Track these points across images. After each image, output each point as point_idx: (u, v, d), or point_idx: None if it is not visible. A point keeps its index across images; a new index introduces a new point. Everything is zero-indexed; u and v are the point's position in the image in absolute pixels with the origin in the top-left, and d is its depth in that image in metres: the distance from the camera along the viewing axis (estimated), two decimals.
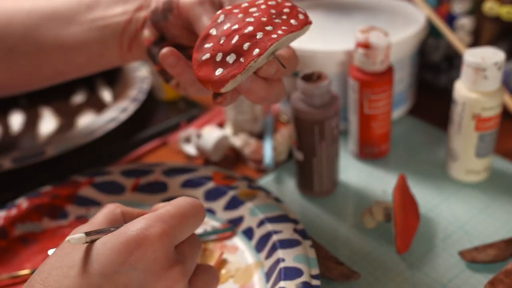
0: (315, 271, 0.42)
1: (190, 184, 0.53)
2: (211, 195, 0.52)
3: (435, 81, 0.70)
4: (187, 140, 0.64)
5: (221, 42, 0.38)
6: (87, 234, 0.31)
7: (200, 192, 0.52)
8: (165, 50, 0.43)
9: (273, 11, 0.39)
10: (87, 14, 0.49)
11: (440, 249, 0.48)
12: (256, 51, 0.37)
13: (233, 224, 0.50)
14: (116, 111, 0.67)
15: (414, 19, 0.63)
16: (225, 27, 0.38)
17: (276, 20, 0.39)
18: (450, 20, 0.67)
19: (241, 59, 0.37)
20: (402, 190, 0.50)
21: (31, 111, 0.74)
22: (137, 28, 0.48)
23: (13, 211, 0.51)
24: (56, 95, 0.78)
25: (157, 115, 0.71)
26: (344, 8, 0.68)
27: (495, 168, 0.57)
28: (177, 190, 0.53)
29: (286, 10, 0.40)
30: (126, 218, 0.37)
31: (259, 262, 0.46)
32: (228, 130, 0.65)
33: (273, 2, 0.40)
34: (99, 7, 0.49)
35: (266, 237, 0.46)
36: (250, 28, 0.38)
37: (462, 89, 0.51)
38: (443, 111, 0.67)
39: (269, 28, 0.38)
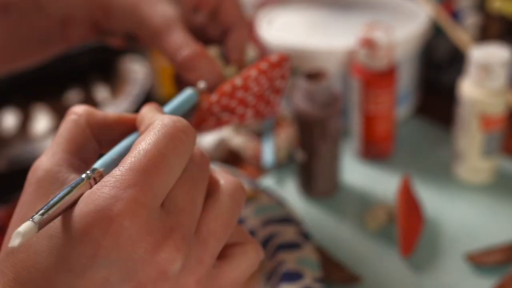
0: (317, 274, 0.41)
1: None
2: None
3: (440, 80, 0.69)
4: None
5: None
6: (37, 218, 0.23)
7: None
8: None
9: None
10: None
11: (445, 252, 0.47)
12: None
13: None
14: (114, 111, 0.66)
15: (418, 17, 0.62)
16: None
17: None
18: (455, 17, 0.66)
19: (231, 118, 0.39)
20: (406, 191, 0.49)
21: (24, 109, 0.73)
22: None
23: (12, 208, 0.51)
24: (49, 93, 0.77)
25: None
26: (346, 6, 0.67)
27: (502, 168, 0.56)
28: None
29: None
30: (95, 131, 0.30)
31: (261, 264, 0.45)
32: (228, 128, 0.64)
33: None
34: None
35: (268, 238, 0.45)
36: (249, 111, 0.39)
37: (467, 88, 0.50)
38: (449, 110, 0.66)
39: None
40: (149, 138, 0.26)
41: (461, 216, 0.51)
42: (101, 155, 0.30)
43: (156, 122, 0.27)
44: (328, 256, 0.47)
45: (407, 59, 0.60)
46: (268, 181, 0.57)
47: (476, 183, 0.54)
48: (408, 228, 0.47)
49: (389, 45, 0.52)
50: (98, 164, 0.27)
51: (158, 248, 0.24)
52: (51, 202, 0.24)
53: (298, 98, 0.50)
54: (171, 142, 0.26)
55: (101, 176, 0.27)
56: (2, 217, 0.50)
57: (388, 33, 0.52)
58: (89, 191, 0.25)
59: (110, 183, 0.24)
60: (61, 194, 0.25)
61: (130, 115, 0.31)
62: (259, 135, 0.64)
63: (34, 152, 0.59)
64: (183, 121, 0.27)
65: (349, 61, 0.58)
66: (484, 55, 0.48)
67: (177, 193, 0.26)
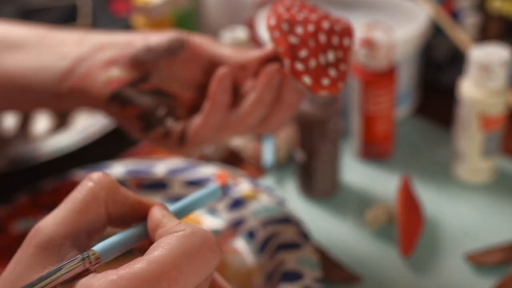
0: (317, 274, 0.41)
1: (194, 183, 0.52)
2: None
3: (440, 80, 0.69)
4: None
5: (311, 45, 0.37)
6: None
7: None
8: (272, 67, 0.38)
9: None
10: (37, 46, 0.43)
11: (445, 252, 0.47)
12: (346, 41, 0.38)
13: (235, 225, 0.49)
14: None
15: (417, 17, 0.62)
16: (300, 31, 0.37)
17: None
18: (454, 17, 0.66)
19: (339, 54, 0.38)
20: (406, 191, 0.49)
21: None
22: (92, 67, 0.40)
23: (12, 208, 0.51)
24: None
25: None
26: (346, 6, 0.67)
27: (502, 168, 0.56)
28: (181, 189, 0.53)
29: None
30: (110, 208, 0.29)
31: (260, 264, 0.45)
32: None
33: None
34: (51, 39, 0.43)
35: (268, 238, 0.45)
36: (326, 24, 0.38)
37: (467, 88, 0.50)
38: (449, 110, 0.66)
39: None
40: (169, 247, 0.24)
41: (461, 216, 0.51)
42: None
43: (184, 232, 0.25)
44: (328, 256, 0.47)
45: (407, 59, 0.60)
46: (268, 181, 0.57)
47: (476, 183, 0.54)
48: (408, 228, 0.47)
49: (388, 45, 0.52)
50: (97, 247, 0.26)
51: None
52: (37, 283, 0.24)
53: None
54: (194, 261, 0.24)
55: (97, 260, 0.26)
56: (2, 217, 0.50)
57: (388, 33, 0.52)
58: (88, 284, 0.24)
59: (115, 286, 0.23)
60: (51, 275, 0.24)
61: (151, 202, 0.30)
62: (259, 135, 0.64)
63: (34, 152, 0.59)
64: (213, 238, 0.26)
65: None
66: (484, 55, 0.48)
67: None
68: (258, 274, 0.45)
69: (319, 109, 0.48)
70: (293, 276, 0.41)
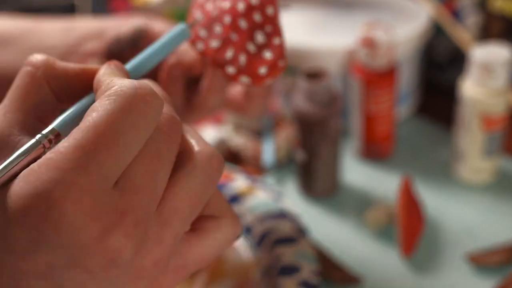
0: (314, 267, 0.41)
1: None
2: None
3: (441, 80, 0.69)
4: None
5: (234, 39, 0.35)
6: None
7: None
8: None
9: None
10: (24, 41, 0.42)
11: (445, 252, 0.47)
12: (270, 10, 0.34)
13: None
14: None
15: (418, 17, 0.62)
16: (218, 30, 0.35)
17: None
18: (455, 16, 0.66)
19: (267, 28, 0.34)
20: (407, 191, 0.49)
21: None
22: (77, 62, 0.40)
23: None
24: None
25: None
26: (346, 6, 0.67)
27: (503, 168, 0.56)
28: None
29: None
30: (54, 86, 0.27)
31: (258, 259, 0.45)
32: (227, 127, 0.64)
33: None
34: (38, 34, 0.43)
35: (265, 234, 0.46)
36: (241, 5, 0.35)
37: (468, 87, 0.50)
38: (450, 110, 0.66)
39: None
40: (102, 109, 0.22)
41: (462, 216, 0.51)
42: (63, 111, 0.27)
43: (115, 88, 0.23)
44: (328, 256, 0.46)
45: (408, 59, 0.60)
46: (268, 181, 0.57)
47: (477, 183, 0.54)
48: (408, 228, 0.47)
49: (389, 44, 0.52)
50: (54, 124, 0.25)
51: (105, 235, 0.21)
52: None
53: (298, 98, 0.49)
54: (129, 115, 0.22)
55: (58, 136, 0.24)
56: None
57: (389, 32, 0.52)
58: (29, 168, 0.22)
59: (52, 162, 0.21)
60: (7, 161, 0.22)
61: (95, 67, 0.28)
62: (259, 135, 0.64)
63: None
64: (147, 87, 0.23)
65: (349, 61, 0.57)
66: (485, 54, 0.48)
67: (134, 170, 0.23)
68: (255, 269, 0.45)
69: (319, 109, 0.48)
70: (291, 269, 0.41)
